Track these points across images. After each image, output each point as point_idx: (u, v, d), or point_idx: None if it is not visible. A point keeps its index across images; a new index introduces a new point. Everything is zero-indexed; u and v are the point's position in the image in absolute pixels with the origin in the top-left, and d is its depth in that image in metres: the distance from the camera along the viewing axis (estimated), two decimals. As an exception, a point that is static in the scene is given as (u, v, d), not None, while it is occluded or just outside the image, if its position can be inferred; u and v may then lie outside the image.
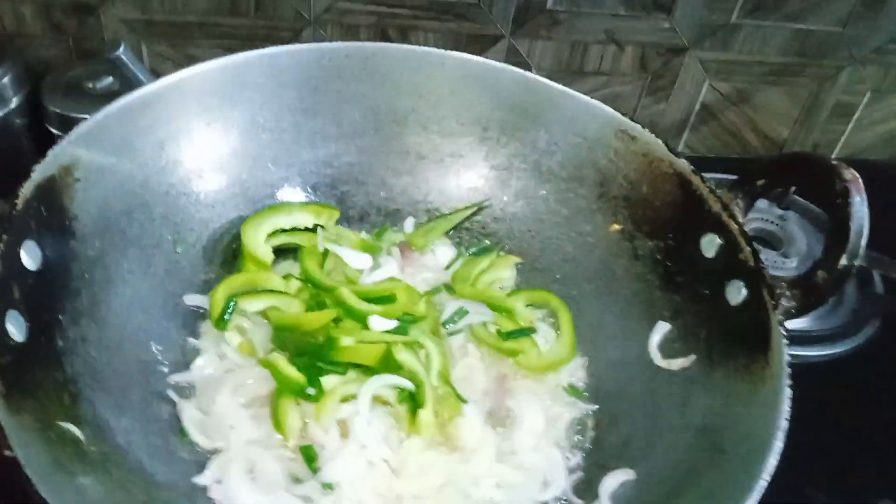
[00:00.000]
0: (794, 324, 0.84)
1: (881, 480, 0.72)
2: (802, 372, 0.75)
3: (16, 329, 0.49)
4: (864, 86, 1.06)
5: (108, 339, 0.58)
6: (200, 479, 0.55)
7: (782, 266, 0.89)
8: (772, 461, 0.49)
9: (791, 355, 0.77)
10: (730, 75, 1.03)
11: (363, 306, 0.64)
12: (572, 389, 0.66)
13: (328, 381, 0.59)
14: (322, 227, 0.71)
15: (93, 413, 0.53)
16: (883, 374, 0.83)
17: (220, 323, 0.63)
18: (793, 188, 0.82)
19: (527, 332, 0.67)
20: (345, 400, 0.59)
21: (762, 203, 0.95)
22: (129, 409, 0.56)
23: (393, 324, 0.64)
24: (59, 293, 0.56)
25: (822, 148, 1.11)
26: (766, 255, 0.88)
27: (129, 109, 0.63)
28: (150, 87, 0.65)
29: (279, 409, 0.57)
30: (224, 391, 0.59)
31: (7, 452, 0.42)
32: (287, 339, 0.62)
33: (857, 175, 0.57)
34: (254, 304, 0.64)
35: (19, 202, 0.53)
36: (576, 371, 0.67)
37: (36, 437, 0.45)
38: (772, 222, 0.95)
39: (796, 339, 0.82)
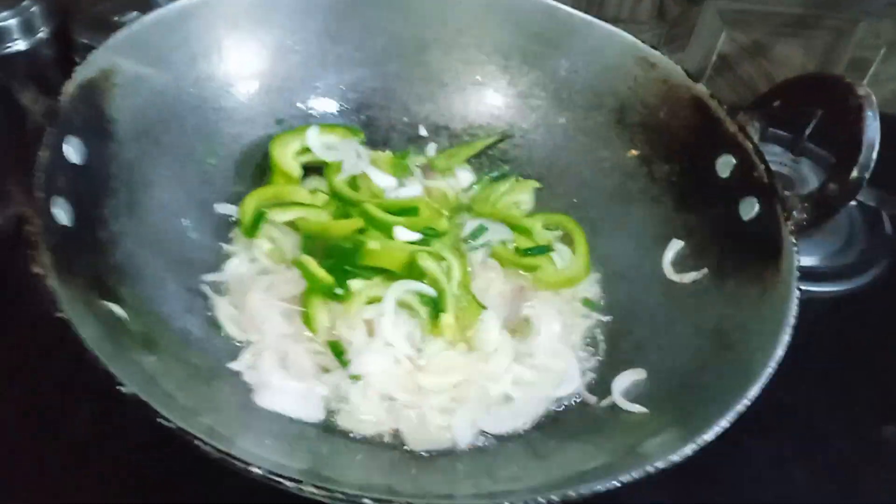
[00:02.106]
0: (806, 261, 0.86)
1: (886, 409, 0.74)
2: (811, 306, 0.77)
3: (63, 214, 0.52)
4: (879, 41, 1.07)
5: (145, 236, 0.60)
6: (235, 365, 0.58)
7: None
8: (779, 352, 0.51)
9: (801, 290, 0.80)
10: (747, 25, 1.04)
11: (388, 217, 0.66)
12: (587, 302, 0.68)
13: (355, 283, 0.62)
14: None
15: (134, 299, 0.55)
16: (890, 312, 0.84)
17: (250, 230, 0.65)
18: (809, 126, 0.84)
19: (544, 249, 0.69)
20: (371, 302, 0.61)
21: (776, 149, 0.97)
22: (166, 299, 0.59)
23: (417, 236, 0.66)
24: (100, 189, 0.58)
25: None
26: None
27: (164, 22, 0.65)
28: (183, 2, 0.67)
29: (309, 306, 0.60)
30: (256, 289, 0.61)
31: (59, 314, 0.44)
32: (315, 247, 0.64)
33: (870, 92, 0.58)
34: (283, 215, 0.67)
35: (63, 97, 0.55)
36: (591, 286, 0.69)
37: (84, 308, 0.48)
38: (786, 165, 0.96)
39: (806, 275, 0.84)
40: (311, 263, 0.61)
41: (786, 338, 0.52)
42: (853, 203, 0.85)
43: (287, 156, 0.69)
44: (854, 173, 0.57)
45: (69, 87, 0.56)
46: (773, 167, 0.95)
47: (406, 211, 0.67)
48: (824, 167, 0.97)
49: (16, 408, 0.60)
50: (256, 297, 0.60)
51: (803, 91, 0.63)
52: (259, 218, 0.65)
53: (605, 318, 0.67)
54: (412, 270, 0.63)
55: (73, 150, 0.55)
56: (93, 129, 0.58)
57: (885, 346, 0.81)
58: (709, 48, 1.06)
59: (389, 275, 0.63)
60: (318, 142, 0.71)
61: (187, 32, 0.67)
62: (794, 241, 0.58)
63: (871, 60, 1.09)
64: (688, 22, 1.03)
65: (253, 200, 0.66)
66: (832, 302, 0.85)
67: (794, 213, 0.59)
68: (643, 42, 1.02)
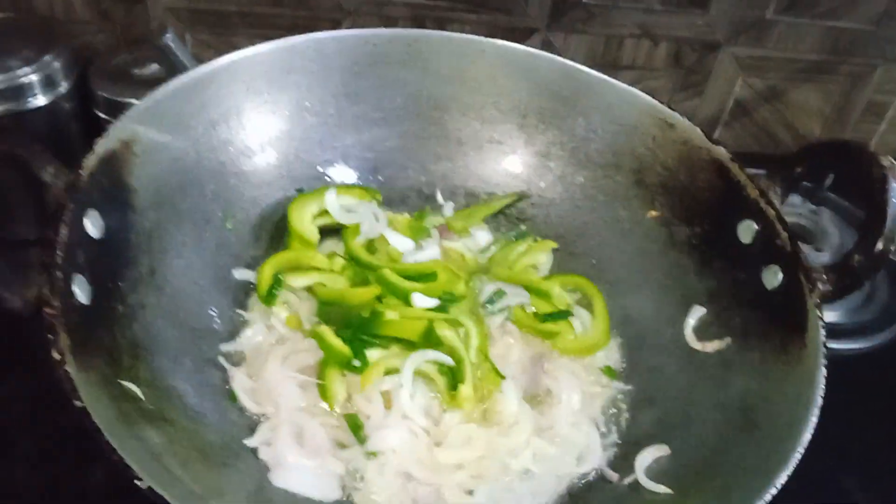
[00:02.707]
0: (826, 317, 0.85)
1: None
2: (834, 365, 0.76)
3: (81, 292, 0.52)
4: (898, 85, 1.06)
5: (163, 306, 0.60)
6: (250, 441, 0.57)
7: (816, 260, 0.90)
8: (807, 435, 0.50)
9: (834, 348, 0.78)
10: (763, 72, 1.04)
11: (406, 284, 0.65)
12: (608, 370, 0.67)
13: (372, 354, 0.61)
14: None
15: (151, 375, 0.55)
16: (914, 368, 0.83)
17: (268, 298, 0.65)
18: (829, 176, 0.84)
19: (564, 314, 0.68)
20: (388, 373, 0.61)
21: (795, 198, 0.96)
22: (183, 372, 0.58)
23: (434, 302, 0.66)
24: (119, 261, 0.58)
25: (854, 146, 1.12)
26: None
27: (184, 89, 0.65)
28: (203, 69, 0.67)
29: (326, 379, 0.59)
30: (273, 360, 0.61)
31: (77, 403, 0.44)
32: (332, 313, 0.64)
33: (895, 162, 0.58)
34: (300, 281, 0.67)
35: (84, 172, 0.55)
36: (611, 353, 0.68)
37: (101, 392, 0.48)
38: (805, 217, 0.95)
39: (828, 332, 0.83)
40: (328, 334, 0.61)
41: (813, 419, 0.51)
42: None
43: (304, 220, 0.69)
44: (879, 245, 0.57)
45: (90, 162, 0.56)
46: (793, 218, 0.97)
47: (424, 276, 0.67)
48: (844, 217, 0.96)
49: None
50: (273, 369, 0.60)
51: (826, 158, 0.63)
52: (276, 285, 0.65)
53: (627, 387, 0.66)
54: (430, 338, 0.62)
55: (92, 225, 0.55)
56: (113, 201, 0.58)
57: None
58: (725, 94, 1.06)
59: (407, 344, 0.62)
60: (336, 204, 0.71)
61: (206, 98, 0.67)
62: (820, 314, 0.57)
63: (889, 104, 1.09)
64: (704, 68, 1.03)
65: (270, 267, 0.66)
66: (856, 359, 0.83)
67: (819, 284, 0.58)
68: (660, 89, 1.04)
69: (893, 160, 0.58)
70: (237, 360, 0.63)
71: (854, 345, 0.84)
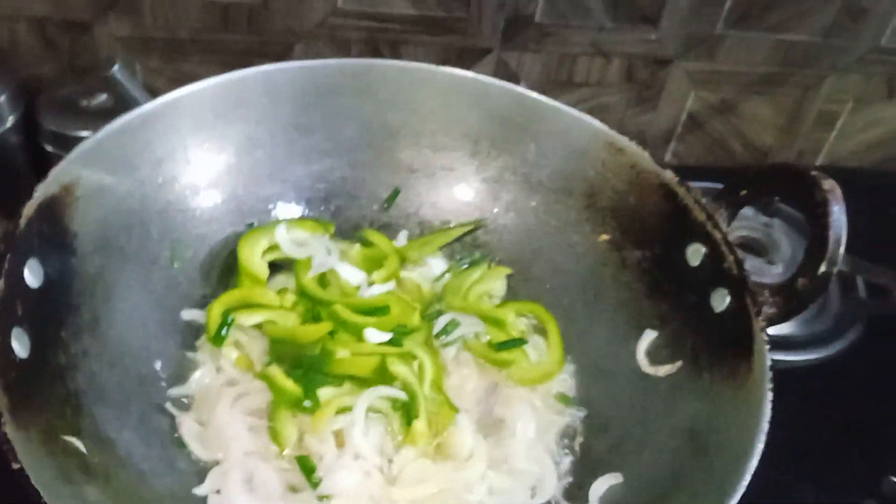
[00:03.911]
0: (779, 329, 0.85)
1: (865, 480, 0.74)
2: (788, 377, 0.77)
3: (20, 346, 0.51)
4: (847, 95, 1.08)
5: (108, 353, 0.59)
6: (200, 490, 0.57)
7: (768, 272, 0.91)
8: (753, 462, 0.51)
9: (776, 360, 0.79)
10: (715, 85, 1.05)
11: (358, 319, 0.65)
12: (562, 397, 0.67)
13: (324, 392, 0.61)
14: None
15: (94, 426, 0.54)
16: (866, 378, 0.84)
17: (217, 339, 0.64)
18: (776, 198, 0.85)
19: (518, 342, 0.69)
20: (340, 411, 0.60)
21: (748, 211, 0.97)
22: (129, 421, 0.57)
23: (387, 336, 0.65)
24: (60, 310, 0.57)
25: (806, 155, 1.13)
26: (752, 262, 0.90)
27: (128, 129, 0.64)
28: (147, 107, 0.66)
29: (276, 421, 0.59)
30: (222, 403, 0.60)
31: (15, 465, 0.43)
32: (283, 351, 0.64)
33: (836, 185, 0.59)
34: (250, 319, 0.66)
35: (22, 221, 0.54)
36: (565, 379, 0.68)
37: (42, 450, 0.47)
38: (757, 230, 0.97)
39: (781, 344, 0.84)
40: (278, 375, 0.61)
41: (760, 446, 0.52)
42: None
43: (254, 256, 0.68)
44: (822, 268, 0.57)
45: (28, 209, 0.55)
46: (745, 231, 0.98)
47: (376, 310, 0.67)
48: (797, 228, 0.97)
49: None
50: (222, 412, 0.59)
51: (770, 182, 0.64)
52: (225, 324, 0.64)
53: (581, 414, 0.66)
54: (383, 374, 0.62)
55: (31, 274, 0.54)
56: (53, 248, 0.57)
57: (864, 413, 0.81)
58: (678, 108, 1.07)
59: (360, 380, 0.62)
60: (287, 238, 0.71)
61: (151, 136, 0.66)
62: (766, 338, 0.58)
63: (839, 113, 1.11)
64: (656, 84, 1.04)
65: (219, 306, 0.65)
66: (809, 370, 0.85)
67: (765, 307, 0.59)
68: (614, 105, 1.05)
69: (834, 182, 0.59)
70: (185, 405, 0.62)
71: (808, 356, 0.85)
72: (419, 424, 0.60)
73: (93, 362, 0.57)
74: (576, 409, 0.67)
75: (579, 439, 0.65)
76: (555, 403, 0.66)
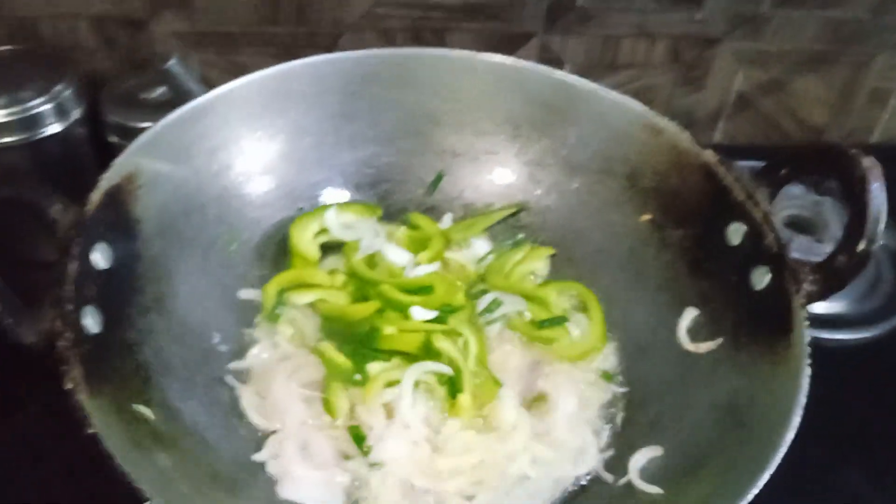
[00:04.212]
0: (829, 307, 0.86)
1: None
2: (839, 356, 0.77)
3: (92, 322, 0.55)
4: (900, 71, 1.06)
5: (172, 329, 0.63)
6: (258, 456, 0.60)
7: (817, 251, 0.90)
8: (790, 434, 0.51)
9: (825, 338, 0.79)
10: (763, 64, 1.04)
11: (404, 298, 0.68)
12: (604, 374, 0.69)
13: (373, 367, 0.64)
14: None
15: (162, 397, 0.58)
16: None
17: (272, 316, 0.68)
18: (819, 176, 0.84)
19: (560, 320, 0.70)
20: (389, 385, 0.63)
21: (798, 189, 0.97)
22: (194, 392, 0.61)
23: (433, 314, 0.68)
24: (127, 289, 0.61)
25: (859, 133, 1.11)
26: (801, 241, 0.89)
27: (183, 120, 0.68)
28: (202, 100, 0.70)
29: (329, 393, 0.62)
30: (278, 377, 0.63)
31: (90, 430, 0.47)
32: (334, 328, 0.67)
33: (876, 162, 0.58)
34: (303, 298, 0.69)
35: (89, 209, 0.58)
36: (608, 356, 0.70)
37: (113, 417, 0.51)
38: (807, 208, 0.96)
39: (831, 322, 0.84)
40: (330, 350, 0.64)
41: (796, 419, 0.52)
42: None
43: (305, 239, 0.72)
44: (862, 245, 0.57)
45: (95, 197, 0.59)
46: (794, 210, 0.98)
47: (422, 289, 0.69)
48: (847, 206, 0.96)
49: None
50: (279, 385, 0.62)
51: (810, 161, 0.64)
52: (280, 303, 0.67)
53: (622, 390, 0.68)
54: (429, 350, 0.65)
55: (100, 257, 0.58)
56: (119, 233, 0.61)
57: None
58: (726, 88, 1.06)
59: (407, 356, 0.65)
60: (336, 222, 0.74)
61: (206, 127, 0.70)
62: (805, 315, 0.58)
63: (892, 90, 1.08)
64: (704, 63, 1.03)
65: (274, 286, 0.69)
66: (861, 349, 0.84)
67: (805, 285, 0.60)
68: (660, 86, 1.04)
69: (874, 160, 0.59)
70: (244, 377, 0.66)
71: (858, 335, 0.85)
72: (464, 398, 0.62)
73: (158, 338, 0.61)
74: (617, 386, 0.68)
75: (620, 414, 0.66)
76: (597, 379, 0.68)
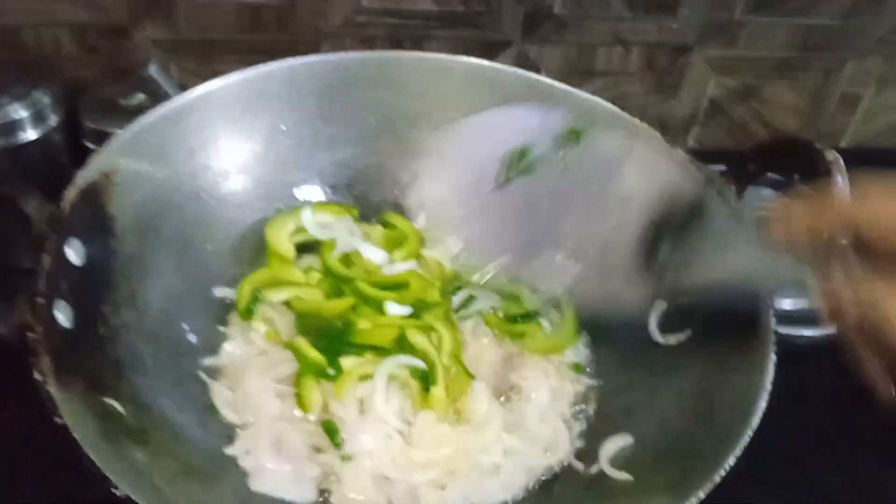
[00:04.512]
0: (798, 304, 0.86)
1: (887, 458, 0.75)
2: (807, 351, 0.77)
3: (64, 316, 0.55)
4: (869, 76, 1.08)
5: (145, 326, 0.63)
6: (231, 450, 0.60)
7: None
8: (756, 419, 0.52)
9: (795, 335, 0.80)
10: (736, 71, 1.06)
11: (378, 293, 0.68)
12: (576, 367, 0.70)
13: (347, 361, 0.64)
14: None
15: (133, 392, 0.58)
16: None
17: (247, 314, 0.68)
18: (793, 175, 0.86)
19: (531, 315, 0.71)
20: (362, 379, 0.63)
21: (767, 192, 0.98)
22: (165, 388, 0.61)
23: (407, 310, 0.69)
24: (101, 286, 0.61)
25: (829, 138, 1.13)
26: (771, 241, 0.90)
27: (162, 120, 0.69)
28: (181, 99, 0.71)
29: (301, 387, 0.62)
30: (252, 371, 0.64)
31: (57, 420, 0.47)
32: (309, 324, 0.67)
33: (839, 156, 0.60)
34: (278, 295, 0.69)
35: (65, 204, 0.59)
36: (579, 349, 0.71)
37: (83, 409, 0.51)
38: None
39: (799, 318, 0.84)
40: (304, 345, 0.64)
41: (762, 404, 0.53)
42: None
43: (282, 238, 0.72)
44: (825, 235, 0.59)
45: (70, 193, 0.59)
46: (764, 212, 0.99)
47: (397, 286, 0.70)
48: (819, 209, 0.97)
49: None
50: (252, 380, 0.63)
51: (775, 155, 0.65)
52: (254, 300, 0.68)
53: (594, 382, 0.68)
54: (403, 344, 0.65)
55: (74, 253, 0.58)
56: (94, 229, 0.62)
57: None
58: (699, 94, 1.08)
59: (381, 350, 0.65)
60: (313, 221, 0.74)
61: (184, 127, 0.70)
62: (772, 309, 0.59)
63: (862, 95, 1.11)
64: (677, 71, 1.05)
65: (249, 283, 0.69)
66: (825, 345, 0.85)
67: (771, 277, 0.61)
68: (635, 93, 1.06)
69: (837, 154, 0.60)
70: (217, 373, 0.66)
71: (826, 331, 0.85)
72: (437, 390, 0.63)
73: (131, 334, 0.61)
74: (589, 378, 0.69)
75: (592, 405, 0.67)
76: (568, 372, 0.69)
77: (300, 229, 0.74)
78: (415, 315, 0.69)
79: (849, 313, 0.43)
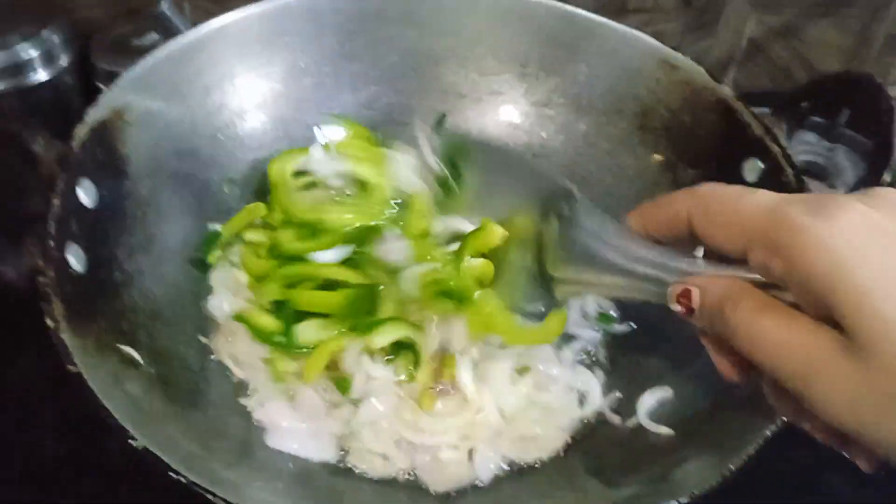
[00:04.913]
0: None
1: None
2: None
3: (76, 261, 0.52)
4: (918, 15, 1.02)
5: (162, 272, 0.60)
6: (245, 401, 0.58)
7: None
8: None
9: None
10: (777, 8, 1.00)
11: (299, 246, 0.62)
12: (603, 317, 0.66)
13: (304, 329, 0.59)
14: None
15: (150, 339, 0.56)
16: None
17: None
18: (844, 112, 0.81)
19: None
20: (335, 352, 0.58)
21: (811, 136, 0.93)
22: (182, 336, 0.59)
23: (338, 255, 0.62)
24: (115, 229, 0.58)
25: (875, 81, 1.08)
26: (814, 187, 0.86)
27: (175, 56, 0.65)
28: (193, 34, 0.67)
29: (274, 363, 0.59)
30: (244, 332, 0.60)
31: (71, 368, 0.45)
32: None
33: (902, 92, 0.56)
34: (253, 235, 0.66)
35: (75, 142, 0.56)
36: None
37: (98, 357, 0.49)
38: (820, 154, 0.93)
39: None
40: (253, 314, 0.60)
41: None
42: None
43: (285, 173, 0.67)
44: (886, 177, 0.55)
45: (80, 132, 0.56)
46: (808, 157, 0.94)
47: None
48: (861, 154, 0.93)
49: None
50: (246, 339, 0.59)
51: (832, 91, 0.61)
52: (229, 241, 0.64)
53: (627, 330, 0.65)
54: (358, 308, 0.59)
55: (85, 194, 0.55)
56: (106, 170, 0.59)
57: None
58: (738, 33, 1.03)
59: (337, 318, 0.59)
60: (322, 158, 0.69)
61: (199, 64, 0.67)
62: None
63: (910, 36, 1.05)
64: (715, 8, 1.00)
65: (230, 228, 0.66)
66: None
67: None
68: (670, 31, 1.01)
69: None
70: (215, 330, 0.62)
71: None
72: (421, 375, 0.58)
73: (147, 280, 0.59)
74: (623, 326, 0.66)
75: (627, 355, 0.64)
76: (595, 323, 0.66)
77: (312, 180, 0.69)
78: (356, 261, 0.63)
79: (699, 315, 0.40)
